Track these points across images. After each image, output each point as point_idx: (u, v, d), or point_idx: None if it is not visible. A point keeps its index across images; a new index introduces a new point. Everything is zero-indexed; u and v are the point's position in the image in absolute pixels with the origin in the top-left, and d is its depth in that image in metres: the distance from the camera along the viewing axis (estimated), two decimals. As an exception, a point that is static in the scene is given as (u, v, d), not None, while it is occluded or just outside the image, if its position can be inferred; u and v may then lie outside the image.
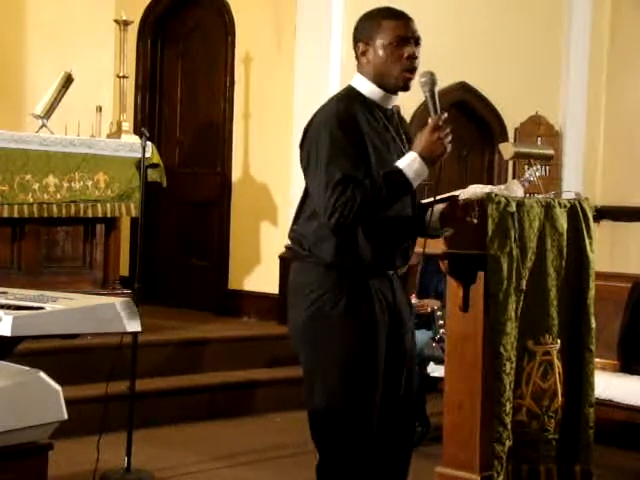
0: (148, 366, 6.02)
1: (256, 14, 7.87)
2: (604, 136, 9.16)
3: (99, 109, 7.24)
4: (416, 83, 3.24)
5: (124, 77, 7.33)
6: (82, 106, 7.41)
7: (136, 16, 8.27)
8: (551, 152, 5.95)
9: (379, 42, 3.22)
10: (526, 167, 5.63)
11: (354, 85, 3.33)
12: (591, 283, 4.56)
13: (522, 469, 4.41)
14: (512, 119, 8.53)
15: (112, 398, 4.86)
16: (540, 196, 4.76)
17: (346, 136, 3.17)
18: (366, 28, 3.28)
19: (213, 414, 6.26)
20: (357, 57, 3.34)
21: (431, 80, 3.17)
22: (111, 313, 3.36)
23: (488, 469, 4.33)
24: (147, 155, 6.28)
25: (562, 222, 4.48)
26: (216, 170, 8.21)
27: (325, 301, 3.24)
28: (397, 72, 3.22)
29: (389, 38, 3.21)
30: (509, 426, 4.30)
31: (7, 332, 3.08)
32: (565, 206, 4.52)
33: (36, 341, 4.04)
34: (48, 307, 3.30)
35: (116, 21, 7.45)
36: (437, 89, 3.17)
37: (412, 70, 3.23)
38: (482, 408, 4.40)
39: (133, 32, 8.20)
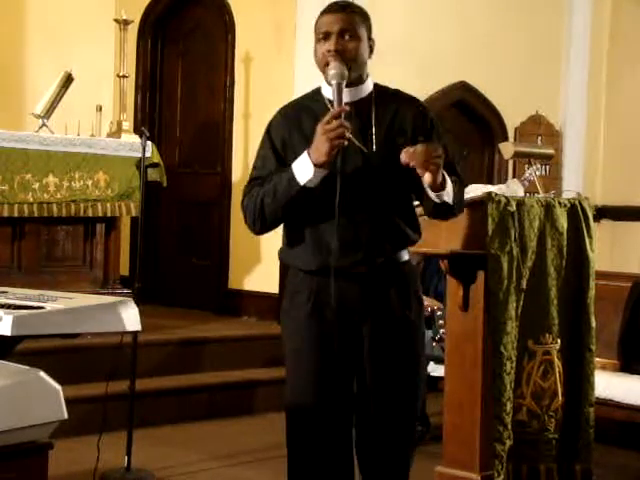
0: (148, 366, 6.03)
1: (256, 14, 7.87)
2: (604, 135, 9.16)
3: (99, 108, 7.24)
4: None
5: (124, 77, 7.34)
6: (82, 106, 7.42)
7: (136, 16, 8.27)
8: (551, 151, 5.94)
9: (315, 38, 3.29)
10: (526, 166, 5.63)
11: (322, 85, 3.38)
12: (591, 282, 4.56)
13: (522, 468, 4.42)
14: (512, 118, 8.54)
15: (112, 397, 4.86)
16: (540, 195, 4.76)
17: (269, 139, 3.31)
18: (315, 25, 3.32)
19: (213, 413, 6.26)
20: None
21: (338, 74, 3.17)
22: (111, 313, 3.36)
23: (488, 468, 4.33)
24: (147, 155, 6.28)
25: (562, 221, 4.48)
26: (216, 170, 8.21)
27: (283, 301, 3.40)
28: (322, 67, 3.26)
29: (317, 34, 3.28)
30: (509, 426, 4.30)
31: (7, 332, 3.08)
32: (565, 205, 4.52)
33: (36, 341, 4.03)
34: (48, 307, 3.30)
35: (116, 20, 7.46)
36: (344, 84, 3.16)
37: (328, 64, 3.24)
38: (482, 408, 4.40)
39: (133, 32, 8.19)
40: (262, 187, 3.21)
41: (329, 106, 3.23)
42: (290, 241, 3.33)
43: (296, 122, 3.30)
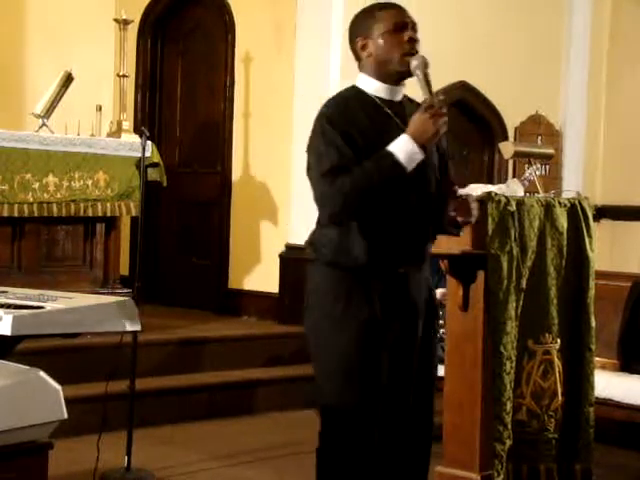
0: (148, 365, 6.03)
1: (256, 13, 7.87)
2: (604, 135, 9.16)
3: (99, 108, 7.24)
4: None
5: (124, 76, 7.34)
6: (82, 105, 7.41)
7: (136, 15, 8.27)
8: (551, 151, 5.94)
9: (377, 32, 3.25)
10: (526, 166, 5.63)
11: (357, 84, 3.35)
12: (591, 282, 4.57)
13: (522, 468, 4.42)
14: (512, 118, 8.53)
15: (112, 397, 4.86)
16: (540, 195, 4.77)
17: (334, 129, 3.19)
18: (362, 23, 3.30)
19: (213, 413, 6.26)
20: (357, 55, 3.35)
21: (423, 62, 3.18)
22: (111, 312, 3.37)
23: (488, 468, 4.33)
24: (147, 154, 6.28)
25: (562, 221, 4.48)
26: (216, 169, 8.21)
27: (327, 302, 3.27)
28: (398, 56, 3.23)
29: (387, 26, 3.24)
30: (509, 425, 4.30)
31: (7, 331, 3.09)
32: (565, 205, 4.52)
33: (36, 340, 4.04)
34: (48, 306, 3.30)
35: (116, 20, 7.45)
36: (430, 71, 3.18)
37: (414, 54, 3.23)
38: (482, 407, 4.40)
39: (133, 31, 8.20)
40: (349, 175, 3.13)
41: (377, 101, 3.28)
42: (346, 239, 3.26)
43: (350, 116, 3.25)
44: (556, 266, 4.46)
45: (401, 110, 3.32)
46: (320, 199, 3.20)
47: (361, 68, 3.35)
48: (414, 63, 3.18)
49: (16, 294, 3.57)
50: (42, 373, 3.13)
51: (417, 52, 3.22)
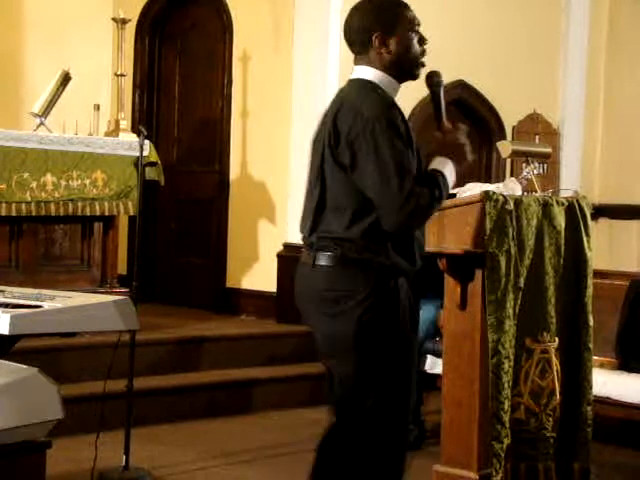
0: (146, 364, 6.02)
1: (254, 12, 7.87)
2: (602, 134, 9.16)
3: (97, 107, 7.23)
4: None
5: (122, 75, 7.33)
6: (80, 104, 7.41)
7: (134, 14, 8.27)
8: (549, 150, 5.93)
9: (402, 31, 3.23)
10: (524, 165, 5.62)
11: (369, 78, 3.27)
12: (589, 281, 4.56)
13: (520, 467, 4.41)
14: (510, 117, 8.53)
15: (110, 396, 4.86)
16: (538, 194, 4.76)
17: (397, 134, 3.13)
18: (385, 18, 3.24)
19: (211, 412, 6.26)
20: (364, 46, 3.27)
21: (441, 81, 3.28)
22: (109, 311, 3.37)
23: (486, 467, 4.33)
24: (145, 153, 6.25)
25: (560, 220, 4.48)
26: (214, 168, 8.21)
27: (376, 307, 3.20)
28: (415, 59, 3.26)
29: (411, 27, 3.24)
30: (507, 424, 4.30)
31: (5, 330, 3.09)
32: (563, 204, 4.52)
33: (34, 339, 4.04)
34: (46, 305, 3.30)
35: (114, 19, 7.45)
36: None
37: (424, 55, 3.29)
38: (480, 406, 4.40)
39: (131, 30, 8.19)
40: (421, 188, 3.11)
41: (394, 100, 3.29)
42: (397, 242, 3.22)
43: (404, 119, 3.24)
44: (554, 265, 4.46)
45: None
46: (398, 202, 3.07)
47: (364, 60, 3.28)
48: (437, 80, 3.25)
49: (14, 293, 3.57)
50: (40, 372, 3.14)
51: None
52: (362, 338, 3.19)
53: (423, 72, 3.34)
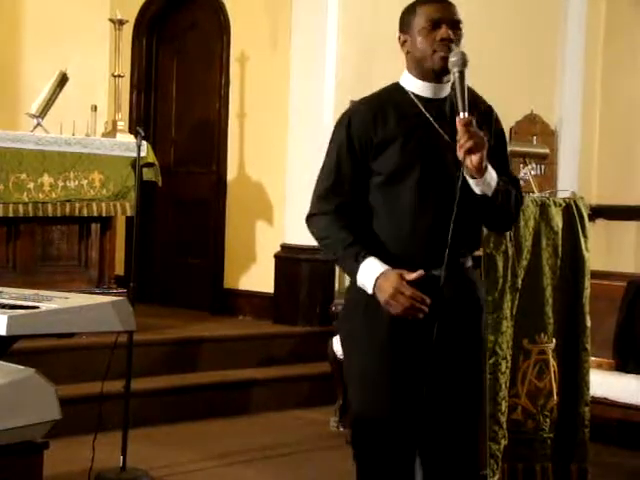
0: (143, 365, 6.02)
1: (251, 13, 7.87)
2: (599, 135, 9.16)
3: (94, 108, 7.23)
4: None
5: (119, 76, 7.33)
6: (77, 105, 7.41)
7: (131, 15, 8.26)
8: (546, 151, 5.96)
9: (415, 28, 3.15)
10: (521, 166, 5.63)
11: (400, 81, 3.24)
12: (586, 282, 4.57)
13: (518, 468, 4.42)
14: (507, 118, 8.50)
15: (107, 397, 4.86)
16: (535, 195, 4.77)
17: (346, 138, 3.12)
18: (405, 18, 3.21)
19: (209, 413, 6.26)
20: (403, 52, 3.25)
21: (461, 60, 3.09)
22: (106, 312, 3.36)
23: (484, 468, 4.33)
24: (142, 154, 6.26)
25: (557, 221, 4.48)
26: (211, 169, 8.22)
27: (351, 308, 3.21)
28: (432, 54, 3.13)
29: (423, 22, 3.14)
30: (504, 425, 4.30)
31: (2, 331, 3.08)
32: (560, 205, 4.52)
33: (31, 340, 4.03)
34: (43, 306, 3.29)
35: (111, 20, 7.45)
36: (467, 71, 3.11)
37: (447, 51, 3.13)
38: (477, 407, 4.40)
39: (128, 31, 8.18)
40: (331, 218, 3.09)
41: (412, 98, 3.17)
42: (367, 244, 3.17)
43: (382, 118, 3.14)
44: (551, 266, 4.46)
45: (442, 106, 3.21)
46: (307, 219, 3.20)
47: (406, 64, 3.24)
48: (453, 59, 3.09)
49: (11, 294, 3.56)
50: (37, 373, 3.13)
51: (450, 51, 3.12)
52: (343, 338, 3.31)
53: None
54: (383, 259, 3.05)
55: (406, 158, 3.10)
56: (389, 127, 3.12)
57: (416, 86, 3.19)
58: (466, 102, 3.07)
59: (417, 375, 3.09)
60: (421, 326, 3.05)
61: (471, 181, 3.05)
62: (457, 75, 3.08)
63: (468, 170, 3.01)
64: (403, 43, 3.20)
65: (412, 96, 3.18)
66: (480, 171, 3.01)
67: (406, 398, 3.10)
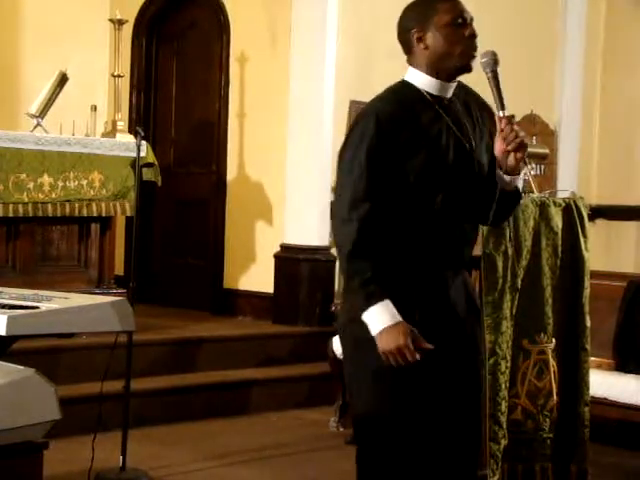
0: (143, 365, 6.02)
1: (251, 13, 7.87)
2: (599, 135, 9.17)
3: (94, 108, 7.23)
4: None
5: (119, 76, 7.33)
6: (77, 105, 7.41)
7: (131, 15, 8.26)
8: (546, 151, 5.96)
9: (438, 24, 3.08)
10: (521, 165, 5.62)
11: (408, 79, 3.15)
12: (586, 282, 4.57)
13: (517, 468, 4.42)
14: (507, 118, 8.53)
15: (107, 397, 4.85)
16: (535, 195, 4.77)
17: (377, 146, 2.98)
18: (419, 14, 3.12)
19: (208, 413, 6.26)
20: (408, 47, 3.15)
21: (493, 59, 3.09)
22: (106, 312, 3.37)
23: (483, 468, 4.33)
24: (142, 154, 6.26)
25: (557, 221, 4.48)
26: (211, 169, 8.21)
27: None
28: (459, 52, 3.10)
29: (448, 19, 3.09)
30: (504, 425, 4.30)
31: (2, 331, 3.08)
32: (560, 205, 4.53)
33: (31, 340, 4.03)
34: (43, 306, 3.30)
35: (111, 20, 7.45)
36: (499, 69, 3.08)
37: (475, 49, 3.12)
38: (477, 407, 4.39)
39: (128, 31, 8.19)
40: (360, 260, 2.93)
41: (427, 97, 3.11)
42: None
43: (408, 117, 3.06)
44: (551, 266, 4.46)
45: (450, 107, 3.18)
46: (337, 231, 3.04)
47: (411, 61, 3.15)
48: (484, 60, 3.07)
49: (11, 294, 3.56)
50: (37, 373, 3.13)
51: (477, 48, 3.11)
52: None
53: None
54: (400, 261, 3.00)
55: (433, 159, 3.05)
56: (416, 127, 3.06)
57: (426, 83, 3.12)
58: (504, 100, 3.11)
59: (424, 375, 3.04)
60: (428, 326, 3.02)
61: (507, 178, 3.04)
62: (491, 75, 3.10)
63: (508, 167, 3.01)
64: (419, 39, 3.10)
65: (425, 94, 3.12)
66: (519, 167, 3.03)
67: (417, 398, 3.07)
